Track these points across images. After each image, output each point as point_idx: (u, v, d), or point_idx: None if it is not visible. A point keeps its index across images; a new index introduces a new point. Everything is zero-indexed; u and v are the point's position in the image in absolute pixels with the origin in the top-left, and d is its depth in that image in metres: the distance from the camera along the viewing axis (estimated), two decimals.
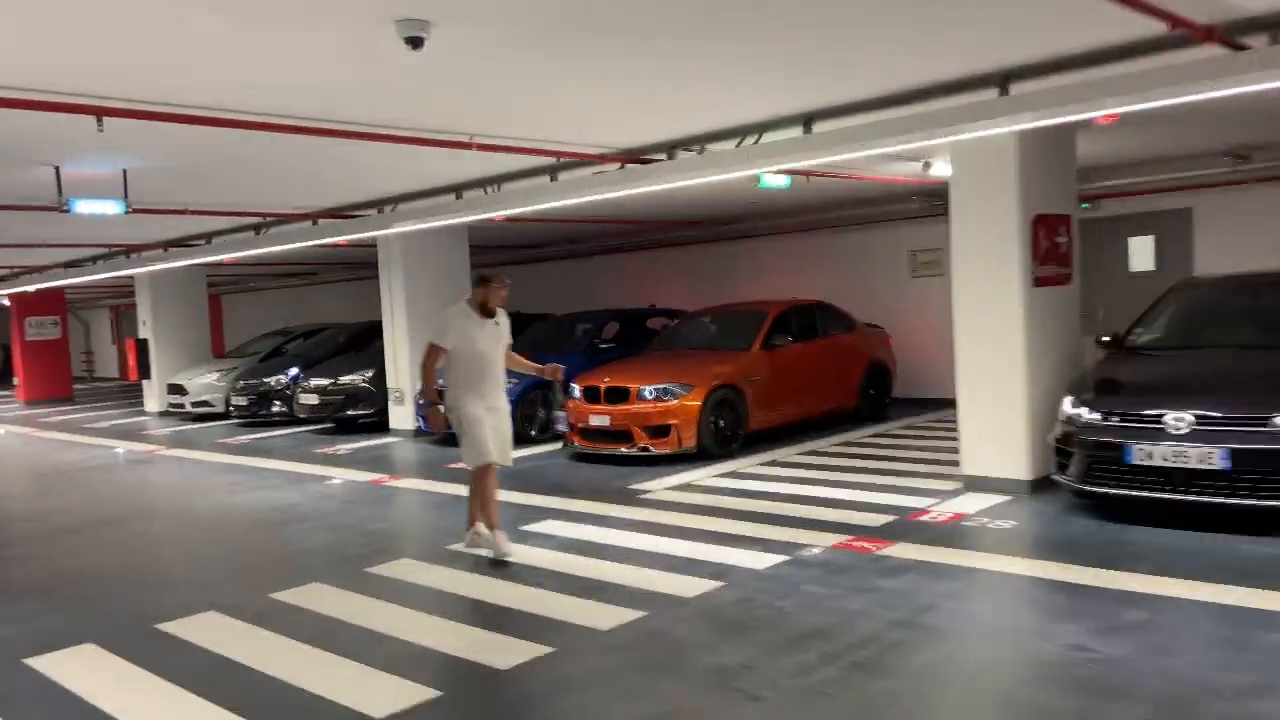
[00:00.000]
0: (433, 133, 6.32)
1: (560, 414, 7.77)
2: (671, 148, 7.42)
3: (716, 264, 15.16)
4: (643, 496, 8.06)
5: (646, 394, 9.60)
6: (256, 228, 11.76)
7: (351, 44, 4.49)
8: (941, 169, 9.18)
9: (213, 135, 6.05)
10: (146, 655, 4.82)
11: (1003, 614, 4.98)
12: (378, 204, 10.30)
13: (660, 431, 9.50)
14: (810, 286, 13.34)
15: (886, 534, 6.34)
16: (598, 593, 5.44)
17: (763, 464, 9.23)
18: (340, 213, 10.76)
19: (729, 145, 7.21)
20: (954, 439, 9.89)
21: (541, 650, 4.58)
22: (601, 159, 7.44)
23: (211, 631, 5.15)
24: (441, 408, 6.42)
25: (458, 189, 9.25)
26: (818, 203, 12.58)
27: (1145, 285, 10.85)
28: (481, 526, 6.34)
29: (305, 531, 7.51)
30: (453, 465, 10.17)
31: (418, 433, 12.53)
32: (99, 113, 5.02)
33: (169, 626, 5.24)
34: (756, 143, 6.85)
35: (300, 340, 17.51)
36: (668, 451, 9.46)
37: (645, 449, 9.51)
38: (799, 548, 6.12)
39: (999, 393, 7.22)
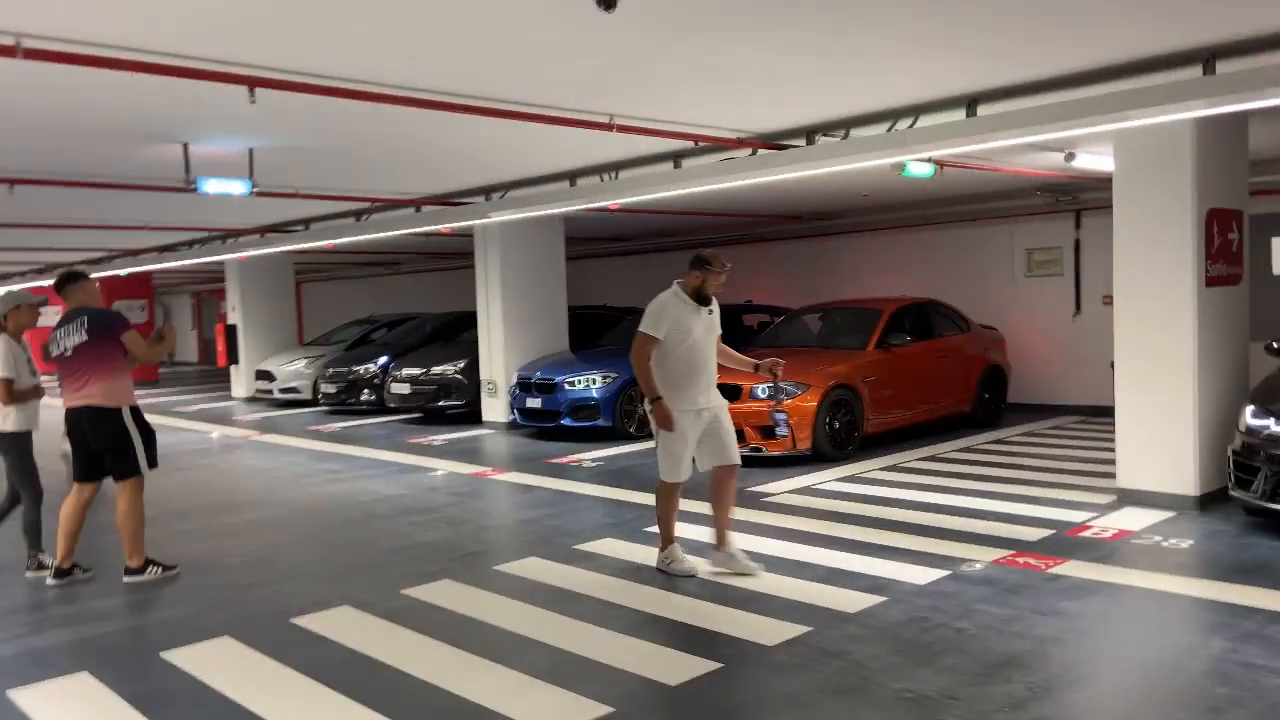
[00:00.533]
0: (575, 112, 6.01)
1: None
2: (811, 132, 7.03)
3: (814, 260, 14.69)
4: (766, 500, 7.69)
5: (759, 392, 9.21)
6: (358, 214, 11.63)
7: (540, 5, 4.18)
8: (1087, 161, 8.65)
9: (346, 112, 5.83)
10: (287, 651, 4.59)
11: (1215, 645, 4.50)
12: (485, 191, 10.07)
13: (773, 431, 9.10)
14: (913, 285, 12.84)
15: (1051, 550, 5.88)
16: (750, 603, 5.09)
17: (884, 469, 8.79)
18: (446, 199, 10.56)
19: (874, 130, 6.81)
20: (1085, 447, 9.41)
21: (709, 665, 4.24)
22: (738, 143, 7.08)
23: (350, 627, 4.91)
24: (647, 407, 5.56)
25: (573, 176, 8.96)
26: (930, 198, 12.09)
27: None
28: (677, 548, 5.67)
29: (420, 525, 7.28)
30: (554, 460, 9.92)
31: (511, 425, 12.31)
32: (251, 83, 4.79)
33: (305, 621, 5.01)
34: (911, 127, 6.43)
35: (385, 329, 17.46)
36: (781, 453, 9.07)
37: (757, 449, 9.12)
38: (957, 562, 5.69)
39: (1165, 400, 6.70)
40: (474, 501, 8.23)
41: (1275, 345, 6.95)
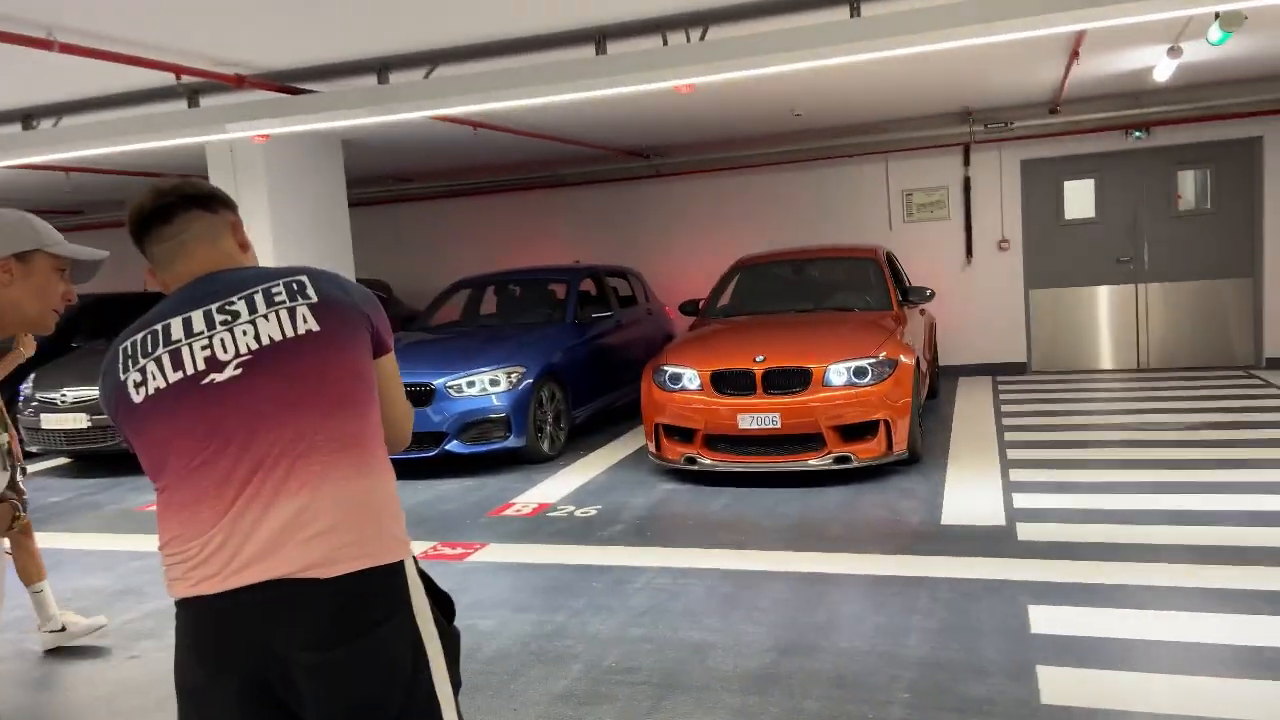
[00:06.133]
0: None
1: None
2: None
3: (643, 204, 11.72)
4: (1024, 541, 5.02)
5: (835, 377, 6.41)
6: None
7: None
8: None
9: None
10: None
11: None
12: (379, 66, 5.65)
13: (861, 431, 6.38)
14: (760, 234, 10.64)
15: None
16: None
17: (996, 468, 6.57)
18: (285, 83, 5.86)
19: None
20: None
21: None
22: None
23: None
24: None
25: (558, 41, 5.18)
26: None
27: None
28: None
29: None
30: (503, 512, 6.06)
31: None
32: None
33: None
34: None
35: None
36: (870, 460, 6.38)
37: (845, 458, 6.34)
38: None
39: None
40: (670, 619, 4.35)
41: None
